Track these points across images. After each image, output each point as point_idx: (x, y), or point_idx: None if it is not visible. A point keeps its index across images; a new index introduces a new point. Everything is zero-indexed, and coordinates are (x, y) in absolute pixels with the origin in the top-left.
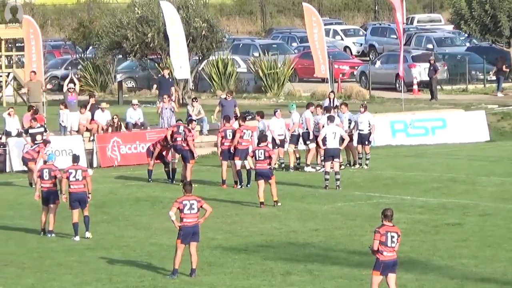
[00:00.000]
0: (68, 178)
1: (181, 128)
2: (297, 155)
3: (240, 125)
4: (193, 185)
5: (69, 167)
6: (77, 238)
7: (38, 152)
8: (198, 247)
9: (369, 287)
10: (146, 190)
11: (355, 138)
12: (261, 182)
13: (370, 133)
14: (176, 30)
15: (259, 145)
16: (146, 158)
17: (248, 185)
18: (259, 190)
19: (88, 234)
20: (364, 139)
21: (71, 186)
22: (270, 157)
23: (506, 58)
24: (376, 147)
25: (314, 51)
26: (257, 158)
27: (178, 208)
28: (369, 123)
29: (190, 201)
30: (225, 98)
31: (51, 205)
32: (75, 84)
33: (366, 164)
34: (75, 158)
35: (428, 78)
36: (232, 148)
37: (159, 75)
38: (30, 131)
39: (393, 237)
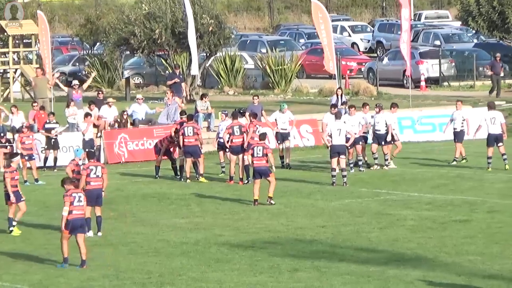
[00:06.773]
0: (88, 174)
1: (189, 129)
2: (280, 154)
3: (251, 121)
4: (204, 181)
5: (89, 164)
6: (90, 233)
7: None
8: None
9: None
10: (153, 187)
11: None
12: (258, 180)
13: (387, 133)
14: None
15: (258, 142)
16: (153, 155)
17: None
18: (255, 188)
19: (100, 234)
20: (380, 139)
21: (91, 183)
22: (267, 154)
23: None
24: None
25: (324, 47)
26: (255, 155)
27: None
28: (386, 123)
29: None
30: (253, 103)
31: None
32: (82, 82)
33: (387, 165)
34: (91, 154)
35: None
36: (246, 143)
37: (171, 72)
38: (46, 126)
39: None
